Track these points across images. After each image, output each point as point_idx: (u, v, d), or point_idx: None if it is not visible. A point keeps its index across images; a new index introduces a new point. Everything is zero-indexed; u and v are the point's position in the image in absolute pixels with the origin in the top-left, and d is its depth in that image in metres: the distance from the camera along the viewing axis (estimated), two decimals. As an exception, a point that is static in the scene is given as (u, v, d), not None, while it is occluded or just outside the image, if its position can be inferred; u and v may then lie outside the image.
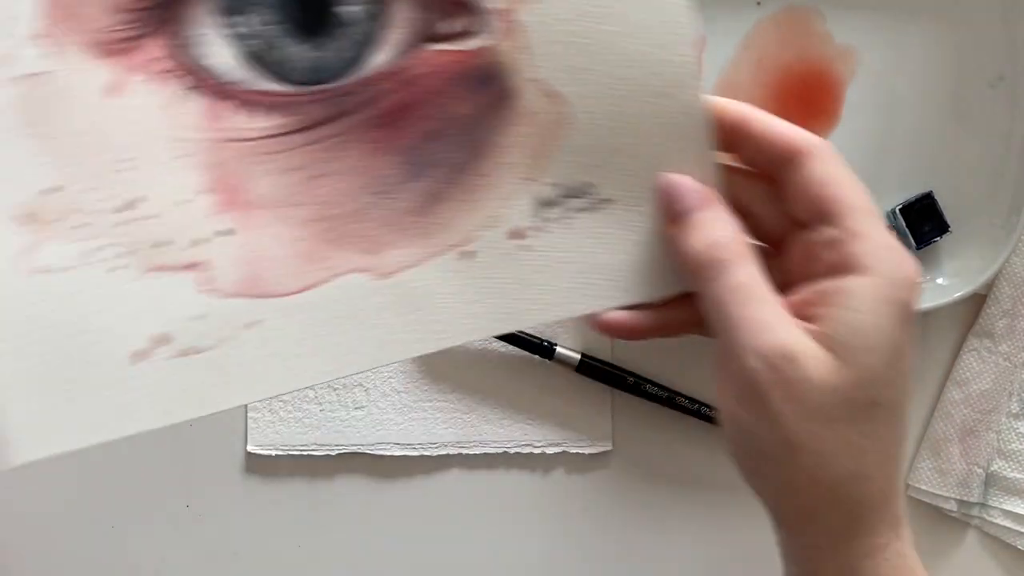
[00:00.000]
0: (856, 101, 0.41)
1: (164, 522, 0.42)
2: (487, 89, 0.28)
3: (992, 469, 0.42)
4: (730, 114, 0.29)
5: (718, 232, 0.28)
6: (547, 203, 0.29)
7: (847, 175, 0.28)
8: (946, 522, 0.43)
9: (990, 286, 0.42)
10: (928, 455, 0.43)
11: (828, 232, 0.27)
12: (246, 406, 0.40)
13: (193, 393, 0.28)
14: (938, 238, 0.41)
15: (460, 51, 0.28)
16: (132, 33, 0.27)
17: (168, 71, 0.27)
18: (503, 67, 0.28)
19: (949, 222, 0.41)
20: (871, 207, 0.27)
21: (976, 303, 0.42)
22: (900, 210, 0.41)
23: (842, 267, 0.27)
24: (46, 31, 0.27)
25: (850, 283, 0.26)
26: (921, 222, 0.41)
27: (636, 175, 0.29)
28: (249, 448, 0.41)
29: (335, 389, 0.41)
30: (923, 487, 0.43)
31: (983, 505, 0.43)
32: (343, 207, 0.28)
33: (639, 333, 0.31)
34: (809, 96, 0.41)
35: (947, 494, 0.42)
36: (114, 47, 0.27)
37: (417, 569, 0.42)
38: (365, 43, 0.28)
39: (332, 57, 0.28)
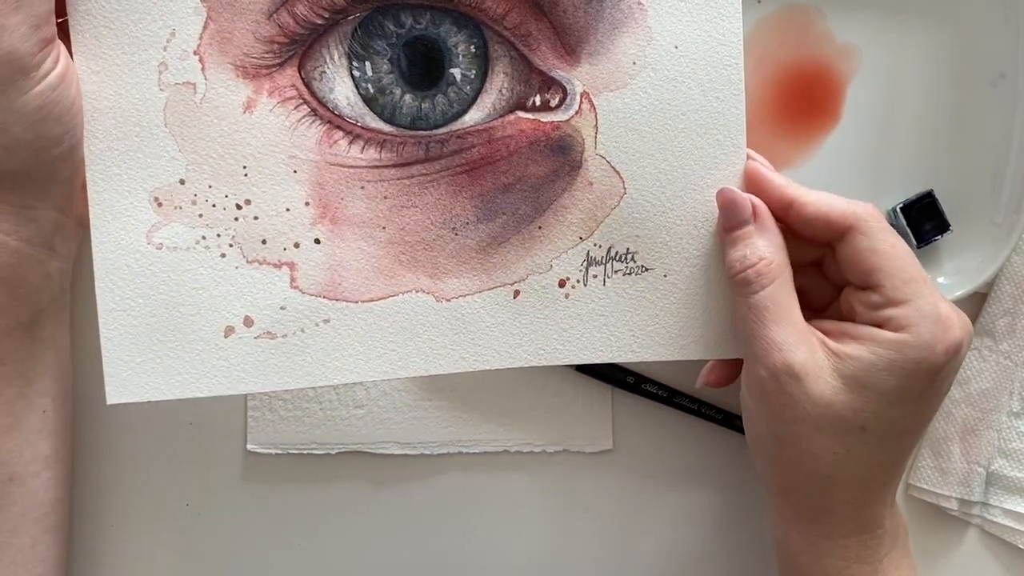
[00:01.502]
0: (857, 100, 0.40)
1: (164, 521, 0.41)
2: (558, 157, 0.33)
3: (993, 468, 0.42)
4: (786, 194, 0.32)
5: (754, 251, 0.32)
6: (593, 262, 0.34)
7: (892, 245, 0.31)
8: (947, 521, 0.43)
9: (991, 285, 0.42)
10: (929, 454, 0.42)
11: (873, 297, 0.31)
12: (246, 405, 0.40)
13: (264, 370, 0.33)
14: (939, 237, 0.40)
15: (542, 121, 0.33)
16: (273, 62, 0.32)
17: (295, 98, 0.32)
18: (575, 140, 0.33)
19: (950, 221, 0.40)
20: (915, 274, 0.31)
21: (977, 302, 0.42)
22: (901, 209, 0.40)
23: (880, 325, 0.31)
24: (202, 50, 0.31)
25: (881, 334, 0.31)
26: (922, 221, 0.40)
27: (674, 250, 0.34)
28: (249, 447, 0.41)
29: (335, 388, 0.41)
30: (924, 486, 0.42)
31: (984, 504, 0.42)
32: (419, 236, 0.33)
33: (727, 380, 0.37)
34: (810, 94, 0.40)
35: (948, 493, 0.42)
36: (255, 71, 0.32)
37: (416, 568, 0.42)
38: (466, 103, 0.32)
39: (436, 110, 0.33)
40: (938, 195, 0.40)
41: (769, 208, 0.32)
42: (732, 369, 0.36)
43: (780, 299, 0.31)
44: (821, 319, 0.33)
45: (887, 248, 0.31)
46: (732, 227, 0.32)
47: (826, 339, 0.31)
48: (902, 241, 0.32)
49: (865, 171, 0.41)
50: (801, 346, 0.31)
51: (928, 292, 0.31)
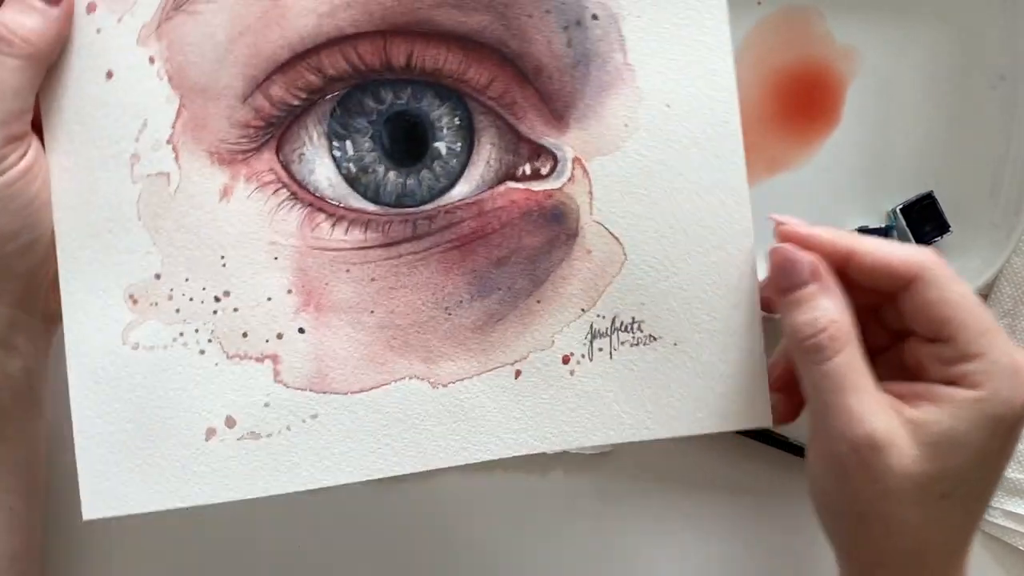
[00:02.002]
0: (856, 101, 0.40)
1: (163, 522, 0.40)
2: (553, 226, 0.31)
3: None
4: (840, 248, 0.30)
5: (824, 313, 0.29)
6: (597, 334, 0.32)
7: (961, 295, 0.29)
8: (947, 522, 0.43)
9: (990, 286, 0.42)
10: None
11: (946, 351, 0.29)
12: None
13: (250, 475, 0.30)
14: (938, 238, 0.40)
15: (534, 190, 0.31)
16: (249, 146, 0.31)
17: (274, 182, 0.31)
18: (569, 208, 0.31)
19: (949, 222, 0.40)
20: (988, 324, 0.29)
21: None
22: (900, 210, 0.40)
23: (954, 381, 0.29)
24: (176, 139, 0.30)
25: (959, 393, 0.29)
26: (921, 222, 0.40)
27: (682, 317, 0.31)
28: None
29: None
30: (925, 487, 0.42)
31: None
32: (411, 318, 0.31)
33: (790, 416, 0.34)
34: (810, 96, 0.40)
35: (949, 494, 0.41)
36: (231, 157, 0.31)
37: (416, 570, 0.41)
38: (453, 176, 0.31)
39: (422, 185, 0.31)
40: (938, 196, 0.40)
41: (829, 252, 0.30)
42: (795, 404, 0.33)
43: (856, 365, 0.29)
44: (889, 382, 0.30)
45: (957, 298, 0.29)
46: (790, 288, 0.30)
47: (899, 404, 0.29)
48: (969, 289, 0.30)
49: (865, 173, 0.41)
50: (881, 415, 0.28)
51: (1002, 342, 0.29)
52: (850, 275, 0.30)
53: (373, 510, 0.41)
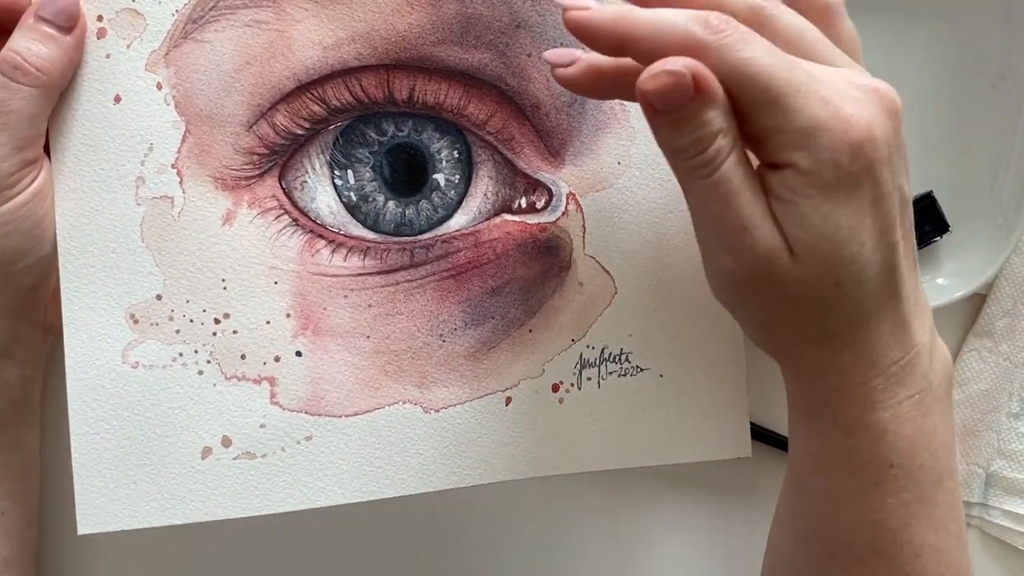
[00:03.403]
0: None
1: (157, 532, 0.39)
2: (547, 258, 0.32)
3: (992, 469, 0.42)
4: (617, 33, 0.26)
5: (708, 131, 0.26)
6: (586, 364, 0.33)
7: (747, 59, 0.25)
8: (946, 523, 0.43)
9: (990, 286, 0.42)
10: (927, 455, 0.43)
11: (764, 123, 0.26)
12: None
13: (244, 494, 0.31)
14: (938, 238, 0.40)
15: (529, 223, 0.32)
16: (252, 173, 0.31)
17: (275, 209, 0.32)
18: (563, 241, 0.32)
19: (949, 222, 0.40)
20: (797, 79, 0.25)
21: (976, 303, 0.42)
22: None
23: (781, 164, 0.26)
24: (180, 163, 0.31)
25: (786, 179, 0.26)
26: (921, 222, 0.39)
27: (668, 350, 0.33)
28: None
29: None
30: (922, 487, 0.42)
31: (983, 505, 0.42)
32: (406, 344, 0.32)
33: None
34: None
35: (946, 494, 0.42)
36: (235, 183, 0.31)
37: (415, 568, 0.41)
38: (450, 207, 0.32)
39: (420, 215, 0.32)
40: (937, 196, 0.40)
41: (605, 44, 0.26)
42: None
43: (742, 169, 0.26)
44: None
45: (745, 64, 0.25)
46: (670, 107, 0.25)
47: (771, 214, 0.27)
48: (764, 45, 0.26)
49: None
50: (763, 228, 0.26)
51: (816, 95, 0.26)
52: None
53: (371, 510, 0.40)
